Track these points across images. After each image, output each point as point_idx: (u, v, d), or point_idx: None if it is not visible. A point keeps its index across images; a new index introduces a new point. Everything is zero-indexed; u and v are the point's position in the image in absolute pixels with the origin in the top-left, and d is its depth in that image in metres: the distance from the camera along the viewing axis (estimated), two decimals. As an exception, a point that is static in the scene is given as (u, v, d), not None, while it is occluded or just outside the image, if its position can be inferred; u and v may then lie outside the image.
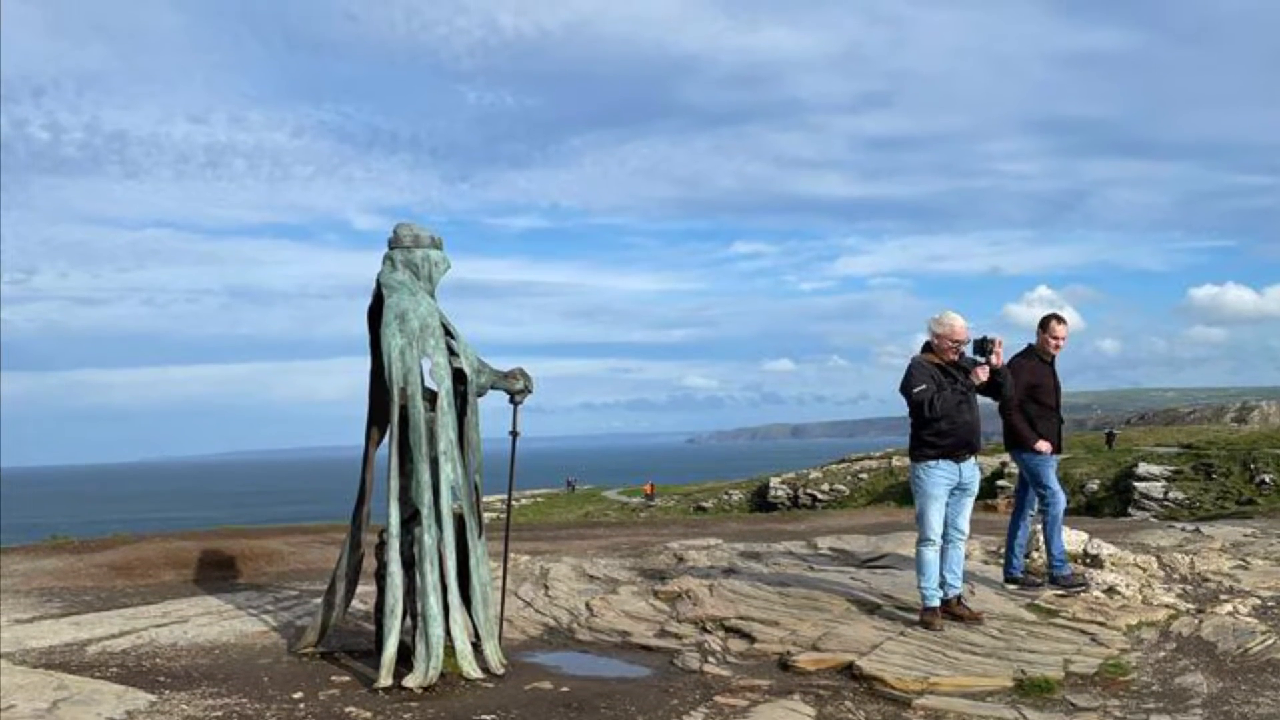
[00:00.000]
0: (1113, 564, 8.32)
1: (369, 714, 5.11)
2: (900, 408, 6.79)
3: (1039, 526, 7.97)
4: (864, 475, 49.81)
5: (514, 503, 7.35)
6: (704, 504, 50.48)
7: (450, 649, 5.75)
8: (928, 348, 6.80)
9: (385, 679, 5.55)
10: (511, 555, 8.50)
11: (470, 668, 5.74)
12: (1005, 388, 6.98)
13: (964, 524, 6.86)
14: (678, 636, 6.74)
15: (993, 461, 35.58)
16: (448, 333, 6.14)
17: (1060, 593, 7.36)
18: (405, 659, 5.71)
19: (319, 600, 6.81)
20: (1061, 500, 7.61)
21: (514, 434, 6.56)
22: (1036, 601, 7.18)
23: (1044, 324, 7.69)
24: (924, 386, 6.59)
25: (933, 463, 6.64)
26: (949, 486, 6.68)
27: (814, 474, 52.60)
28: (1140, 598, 7.34)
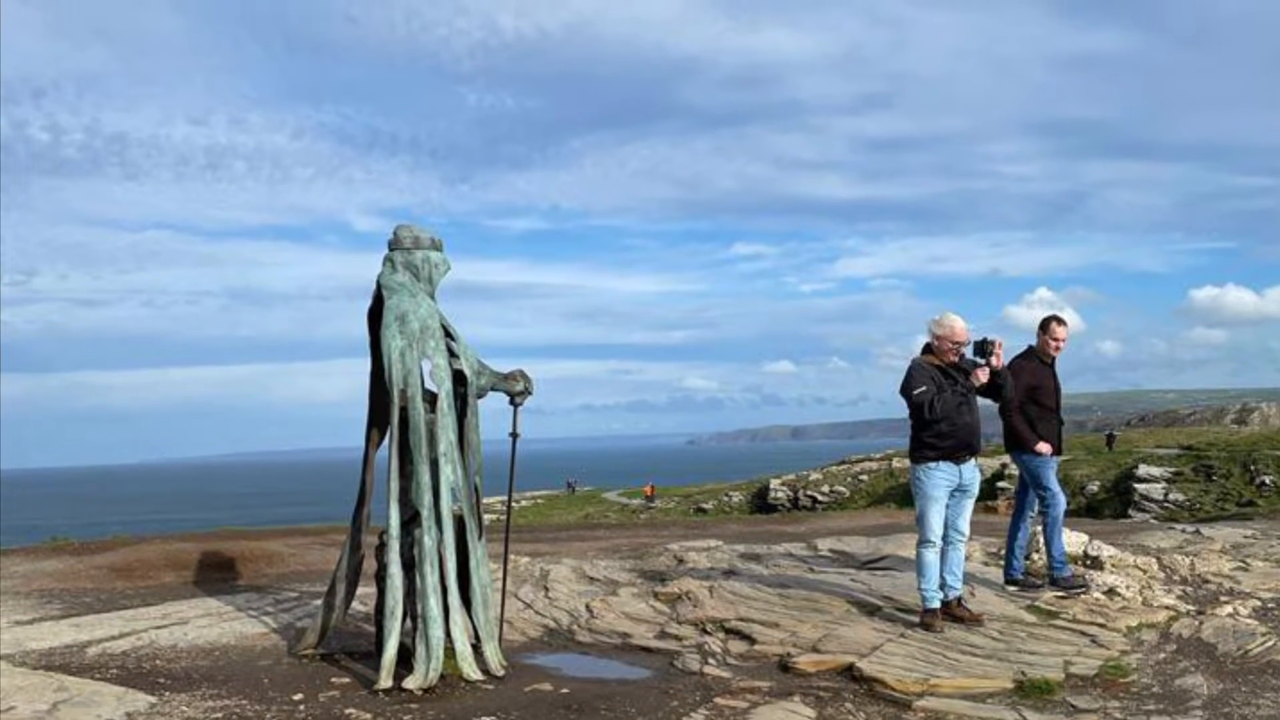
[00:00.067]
0: (1113, 566, 8.32)
1: (369, 716, 5.11)
2: (900, 409, 6.79)
3: (1039, 528, 7.97)
4: (864, 477, 49.81)
5: (514, 504, 7.35)
6: (704, 505, 50.48)
7: (450, 651, 5.75)
8: (928, 349, 6.80)
9: (385, 681, 5.55)
10: (511, 557, 8.50)
11: (470, 669, 5.74)
12: (1005, 389, 6.98)
13: (964, 526, 6.86)
14: (678, 638, 6.74)
15: (993, 463, 35.59)
16: (448, 334, 6.15)
17: (1060, 594, 7.36)
18: (405, 661, 5.71)
19: (319, 602, 6.81)
20: (1062, 502, 7.61)
21: (514, 435, 6.56)
22: (1037, 603, 7.18)
23: (1044, 326, 7.69)
24: (924, 388, 6.59)
25: (933, 464, 6.64)
26: (949, 488, 6.68)
27: (814, 476, 52.59)
28: (1140, 599, 7.34)
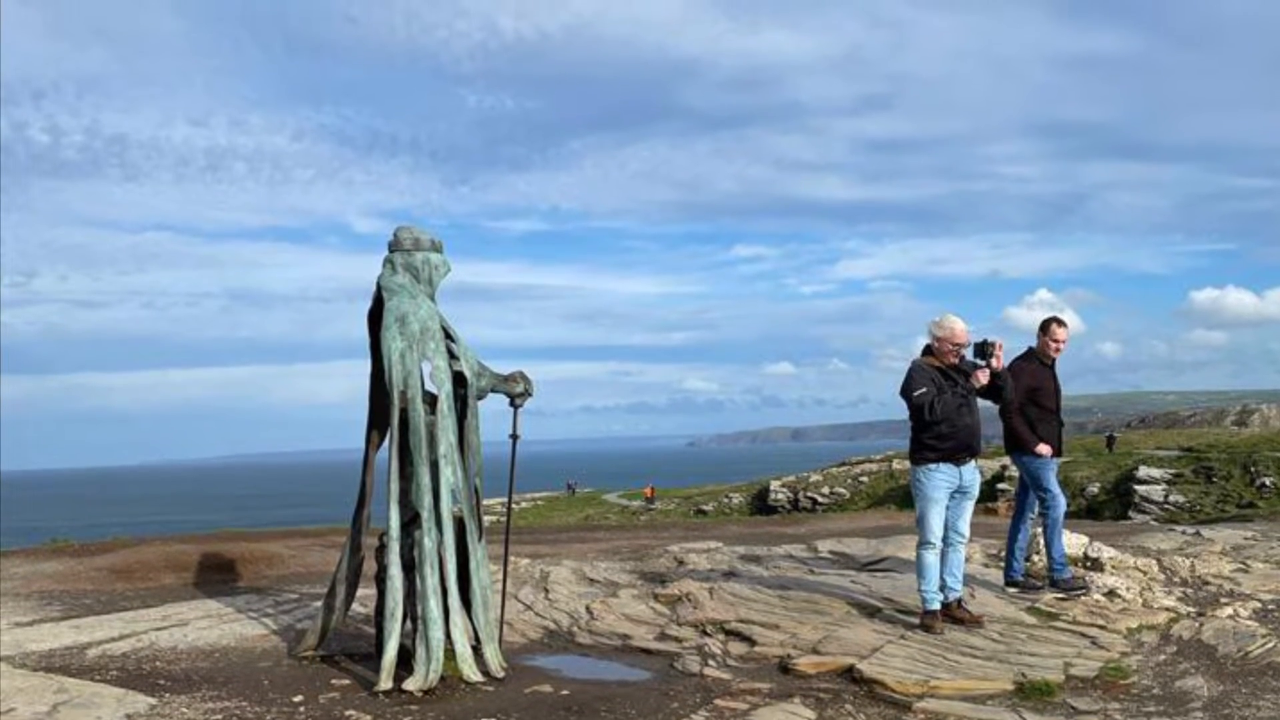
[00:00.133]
0: (1113, 567, 8.32)
1: (369, 717, 5.11)
2: (901, 411, 6.79)
3: (1039, 530, 7.97)
4: (864, 478, 49.81)
5: (514, 506, 7.35)
6: (704, 507, 50.48)
7: (450, 652, 5.75)
8: (928, 351, 6.81)
9: (385, 682, 5.55)
10: (512, 558, 8.50)
11: (470, 671, 5.74)
12: (1005, 391, 6.98)
13: (964, 527, 6.86)
14: (678, 640, 6.74)
15: (993, 465, 35.58)
16: (448, 336, 6.15)
17: (1061, 596, 7.36)
18: (405, 662, 5.71)
19: (319, 603, 6.81)
20: (1062, 503, 7.61)
21: (514, 437, 6.56)
22: (1037, 605, 7.18)
23: (1044, 327, 7.69)
24: (924, 390, 6.59)
25: (933, 466, 6.64)
26: (949, 490, 6.68)
27: (814, 477, 52.59)
28: (1141, 601, 7.34)
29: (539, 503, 57.83)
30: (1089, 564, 8.39)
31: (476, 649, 5.92)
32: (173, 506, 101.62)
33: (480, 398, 6.30)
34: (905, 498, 31.91)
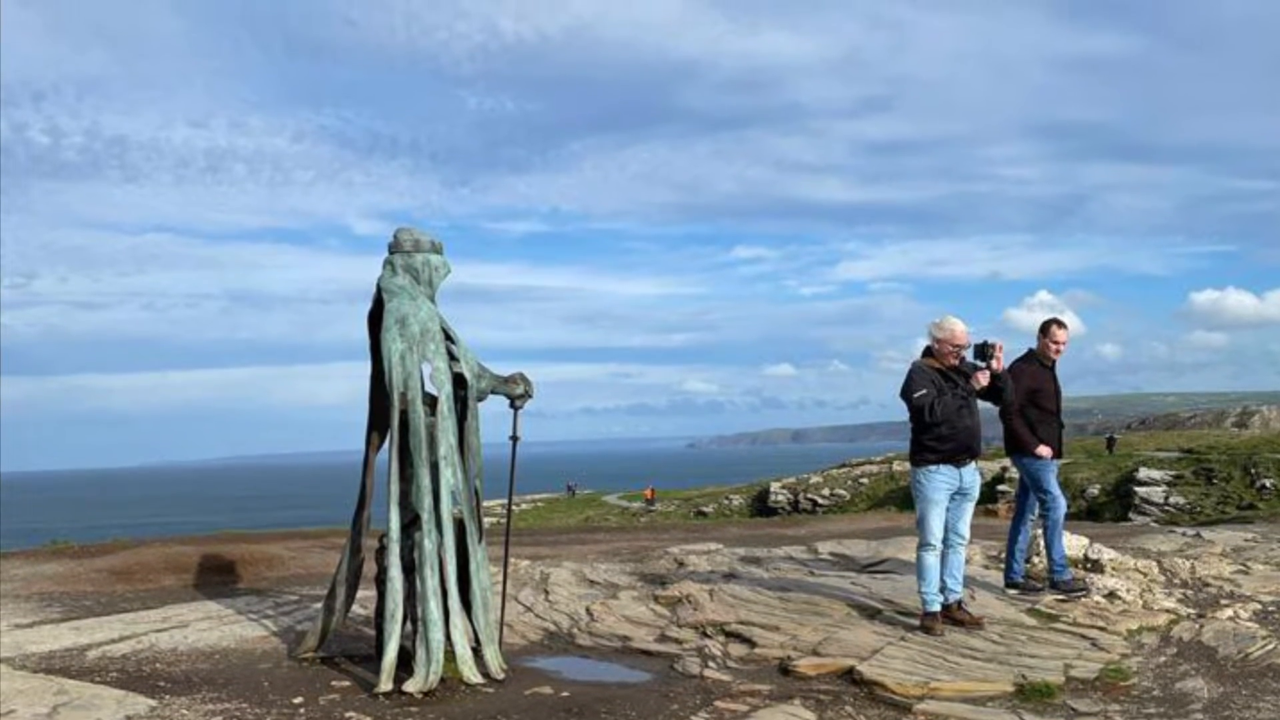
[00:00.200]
0: (1113, 569, 8.32)
1: (369, 719, 5.11)
2: (901, 412, 6.79)
3: (1039, 531, 7.97)
4: (864, 480, 49.77)
5: (514, 508, 7.35)
6: (704, 509, 50.45)
7: (450, 654, 5.75)
8: (928, 352, 6.81)
9: (385, 684, 5.55)
10: (512, 560, 8.50)
11: (470, 673, 5.74)
12: (1006, 392, 6.98)
13: (964, 529, 6.85)
14: (678, 641, 6.74)
15: (993, 466, 35.56)
16: (448, 337, 6.15)
17: (1061, 598, 7.36)
18: (405, 664, 5.71)
19: (319, 605, 6.81)
20: (1062, 505, 7.61)
21: (514, 439, 6.56)
22: (1037, 606, 7.18)
23: (1044, 329, 7.69)
24: (924, 391, 6.59)
25: (933, 467, 6.64)
26: (949, 491, 6.68)
27: (814, 479, 52.55)
28: (1141, 603, 7.34)
29: (539, 504, 57.82)
30: (1089, 566, 8.38)
31: (477, 651, 5.92)
32: (173, 508, 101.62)
33: (480, 399, 6.30)
34: (905, 499, 31.90)
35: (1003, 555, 8.31)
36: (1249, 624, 6.73)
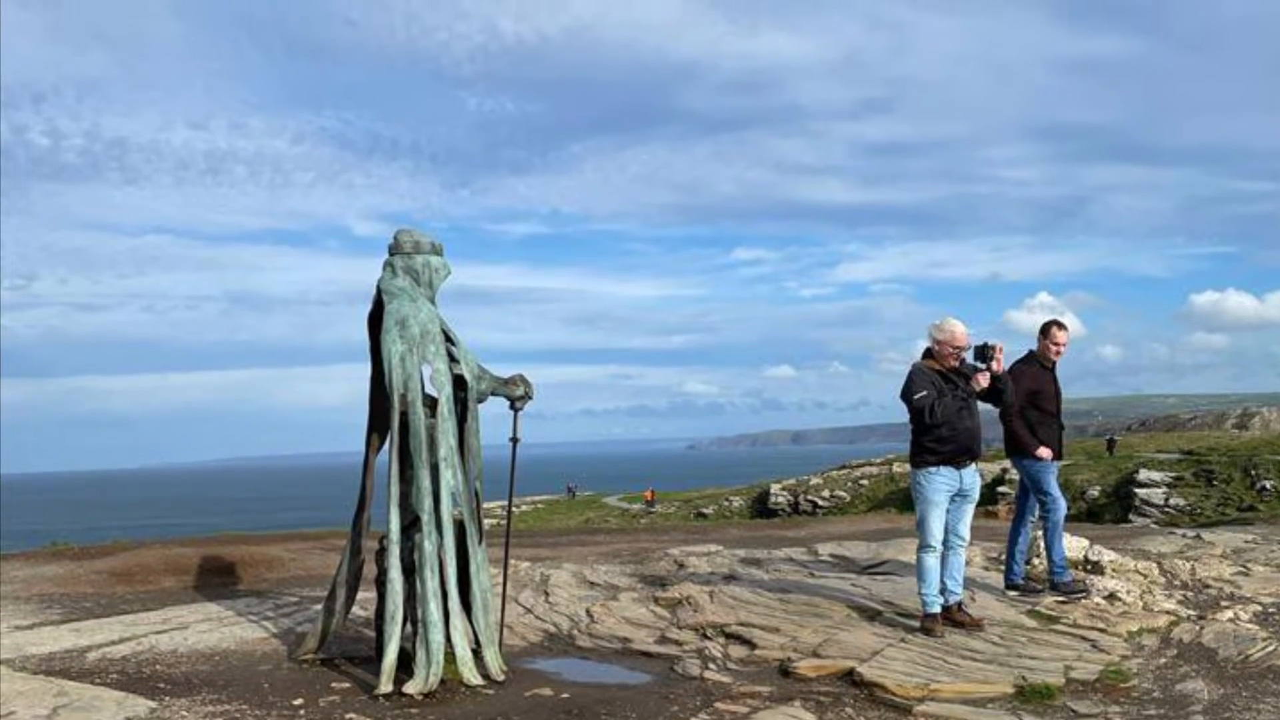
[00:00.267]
0: (1114, 570, 8.31)
1: (369, 721, 5.12)
2: (901, 414, 6.79)
3: (1040, 533, 7.97)
4: (865, 481, 49.77)
5: (514, 509, 7.35)
6: (704, 510, 50.45)
7: (451, 655, 5.75)
8: (928, 354, 6.80)
9: (385, 685, 5.55)
10: (512, 562, 8.49)
11: (471, 674, 5.74)
12: (1006, 394, 6.98)
13: (965, 530, 6.85)
14: (678, 643, 6.74)
15: (993, 468, 35.56)
16: (448, 339, 6.15)
17: (1061, 599, 7.36)
18: (406, 665, 5.71)
19: (319, 607, 6.81)
20: (1062, 507, 7.61)
21: (514, 440, 6.56)
22: (1037, 608, 7.18)
23: (1045, 330, 7.69)
24: (925, 393, 6.59)
25: (933, 469, 6.64)
26: (950, 493, 6.68)
27: (815, 480, 52.55)
28: (1141, 604, 7.34)
29: (539, 506, 57.82)
30: (1089, 567, 8.38)
31: (477, 652, 5.92)
32: (173, 510, 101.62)
33: (480, 401, 6.30)
34: (905, 501, 31.89)
35: (1003, 557, 8.31)
36: (1249, 626, 6.73)
